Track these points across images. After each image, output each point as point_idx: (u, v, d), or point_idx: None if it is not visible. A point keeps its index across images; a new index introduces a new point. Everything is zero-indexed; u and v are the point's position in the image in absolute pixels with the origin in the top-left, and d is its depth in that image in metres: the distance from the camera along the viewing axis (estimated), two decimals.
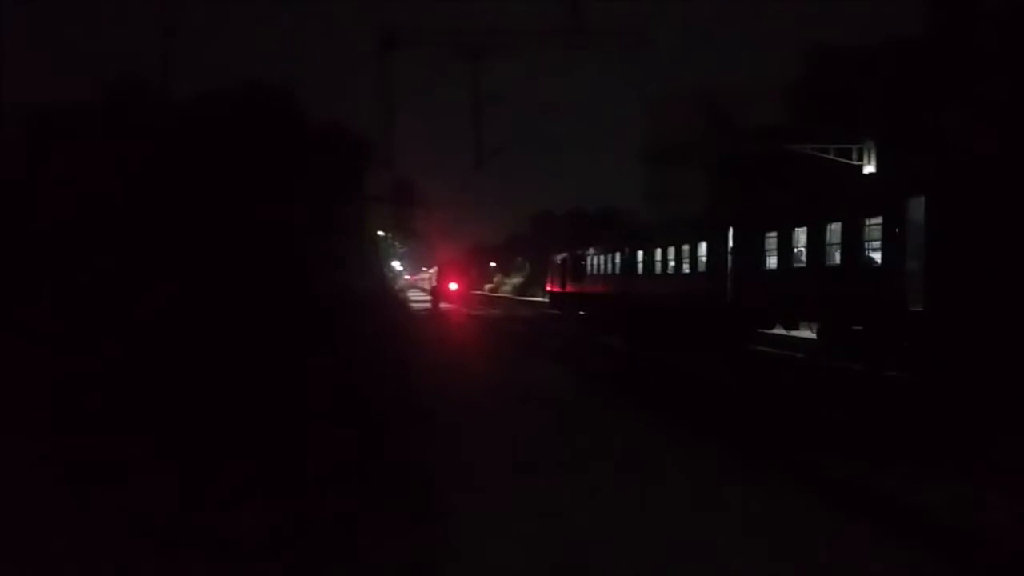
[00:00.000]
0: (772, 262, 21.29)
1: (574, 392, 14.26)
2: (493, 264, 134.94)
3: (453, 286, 64.07)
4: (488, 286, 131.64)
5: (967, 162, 18.12)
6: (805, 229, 19.76)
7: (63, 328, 8.07)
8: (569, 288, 45.95)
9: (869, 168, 29.44)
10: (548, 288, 56.23)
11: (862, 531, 6.27)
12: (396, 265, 59.66)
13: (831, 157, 30.16)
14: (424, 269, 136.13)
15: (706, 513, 6.64)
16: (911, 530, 6.42)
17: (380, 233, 42.09)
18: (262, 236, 10.70)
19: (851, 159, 29.82)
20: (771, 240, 21.52)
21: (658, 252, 30.31)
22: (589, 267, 41.60)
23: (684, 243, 27.86)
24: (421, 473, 7.58)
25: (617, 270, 35.92)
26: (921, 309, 14.88)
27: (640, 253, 32.57)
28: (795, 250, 20.47)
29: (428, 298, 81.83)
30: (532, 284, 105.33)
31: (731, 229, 23.80)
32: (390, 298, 36.69)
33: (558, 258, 48.85)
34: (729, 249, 23.85)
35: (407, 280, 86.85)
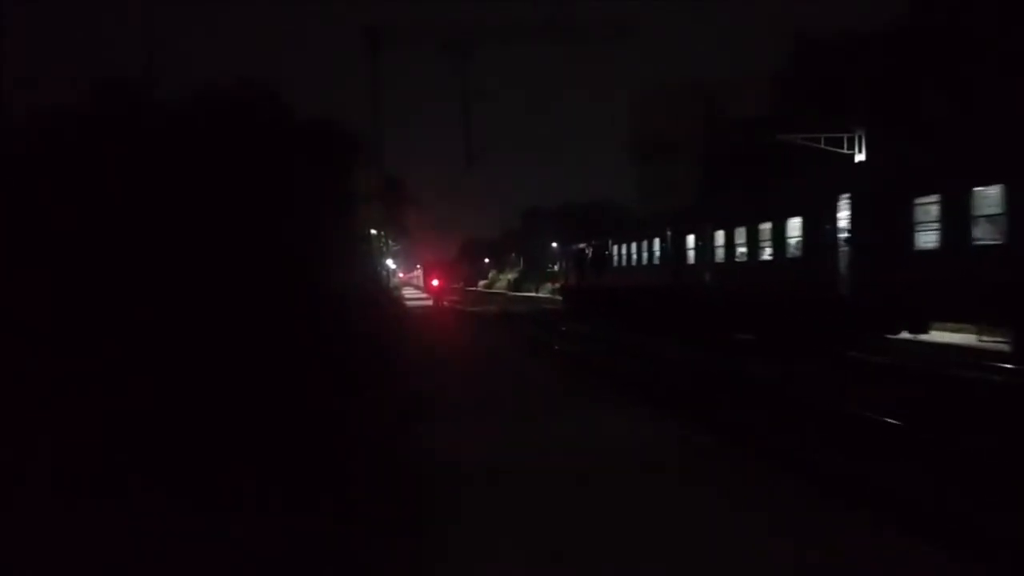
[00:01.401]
0: (926, 240, 15.52)
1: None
2: (487, 260, 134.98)
3: (435, 282, 76.83)
4: (483, 282, 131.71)
5: None
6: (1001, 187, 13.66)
7: (64, 331, 8.08)
8: (588, 283, 40.34)
9: (859, 156, 29.50)
10: (562, 284, 52.15)
11: None
12: (389, 263, 59.66)
13: (821, 147, 30.23)
14: (417, 267, 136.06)
15: None
16: None
17: (372, 231, 42.09)
18: (254, 236, 10.71)
19: (842, 148, 29.89)
20: (926, 207, 15.55)
21: (719, 236, 24.84)
22: (620, 257, 35.52)
23: (762, 221, 22.08)
24: None
25: (656, 259, 30.84)
26: None
27: (691, 238, 27.03)
28: (982, 220, 14.16)
29: (423, 295, 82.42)
30: (526, 280, 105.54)
31: (846, 196, 18.31)
32: (384, 297, 36.72)
33: (576, 248, 43.19)
34: (842, 224, 18.35)
35: (400, 278, 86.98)
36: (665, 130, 51.79)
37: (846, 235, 18.35)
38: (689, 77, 49.74)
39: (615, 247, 36.25)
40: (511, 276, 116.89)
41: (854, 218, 18.12)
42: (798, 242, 20.40)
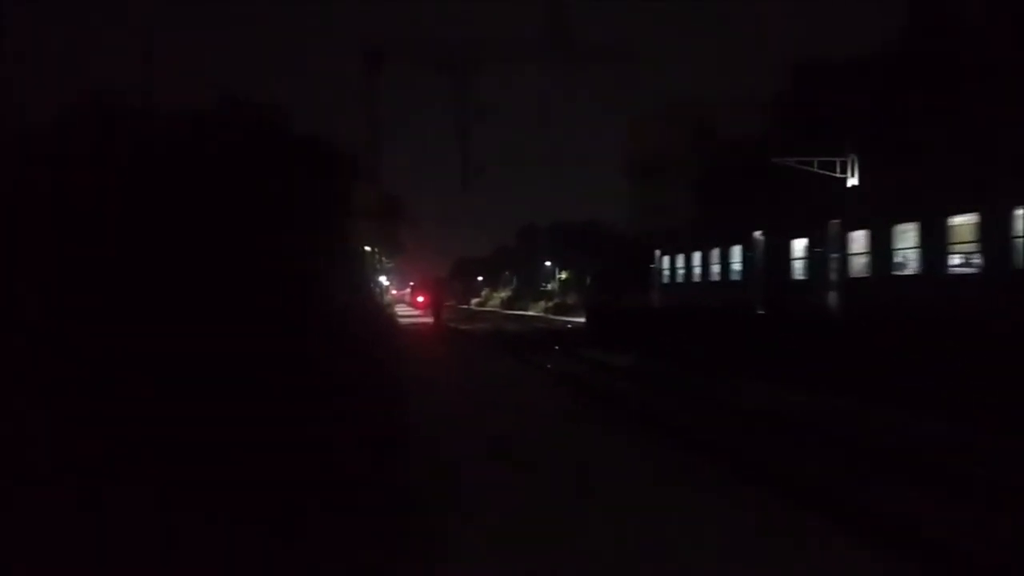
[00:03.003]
0: None
1: None
2: (480, 278, 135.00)
3: (420, 299, 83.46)
4: (475, 300, 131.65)
5: None
6: None
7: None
8: (622, 302, 33.76)
9: (852, 181, 29.63)
10: (587, 303, 43.83)
11: None
12: (383, 280, 59.67)
13: (814, 170, 30.37)
14: (411, 284, 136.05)
15: None
16: None
17: (367, 248, 42.08)
18: (249, 254, 10.70)
19: (835, 172, 30.03)
20: None
21: (858, 238, 20.45)
22: (672, 272, 29.16)
23: (941, 216, 17.20)
24: None
25: (733, 272, 24.89)
26: None
27: (798, 244, 21.44)
28: None
29: (416, 312, 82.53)
30: (519, 298, 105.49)
31: None
32: (378, 314, 36.68)
33: (607, 262, 35.85)
34: None
35: (393, 295, 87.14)
36: (660, 150, 52.02)
37: None
38: (685, 98, 49.88)
39: (664, 259, 30.37)
40: (504, 294, 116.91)
41: None
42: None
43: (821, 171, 29.95)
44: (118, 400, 8.03)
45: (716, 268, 26.36)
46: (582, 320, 64.79)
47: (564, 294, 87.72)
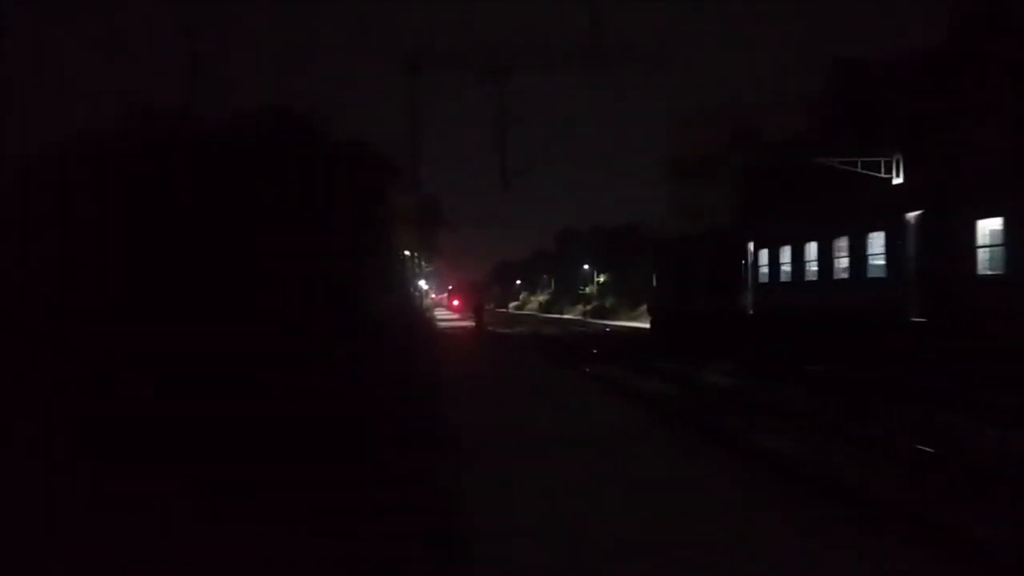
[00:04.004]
0: None
1: None
2: (519, 282, 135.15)
3: (455, 303, 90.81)
4: (513, 304, 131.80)
5: None
6: None
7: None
8: (701, 305, 27.17)
9: (897, 180, 29.18)
10: (652, 305, 37.88)
11: None
12: (422, 284, 60.03)
13: (858, 170, 29.94)
14: (449, 288, 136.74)
15: None
16: None
17: (406, 253, 42.35)
18: (297, 259, 10.84)
19: (879, 172, 29.59)
20: None
21: None
22: (772, 267, 23.39)
23: None
24: None
25: (871, 267, 19.30)
26: None
27: (987, 224, 15.54)
28: None
29: (455, 316, 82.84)
30: (557, 302, 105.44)
31: None
32: (417, 318, 36.88)
33: (679, 254, 29.55)
34: None
35: (432, 299, 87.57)
36: (700, 151, 51.54)
37: None
38: (725, 98, 49.30)
39: (761, 253, 24.32)
40: (542, 298, 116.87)
41: None
42: None
43: (864, 171, 29.55)
44: (170, 397, 8.21)
45: (842, 262, 20.60)
46: (624, 324, 64.61)
47: (602, 297, 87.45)
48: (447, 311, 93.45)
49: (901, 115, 32.26)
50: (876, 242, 19.89)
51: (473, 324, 52.90)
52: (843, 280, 20.73)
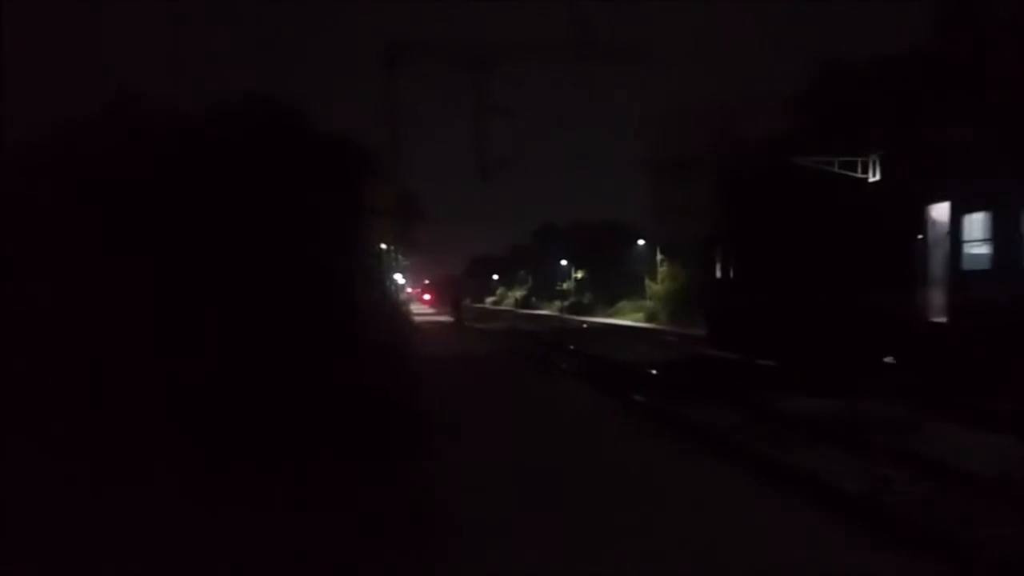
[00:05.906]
0: None
1: None
2: (496, 277, 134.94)
3: (427, 296, 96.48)
4: (490, 299, 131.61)
5: None
6: None
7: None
8: (796, 301, 19.06)
9: (873, 180, 29.31)
10: (707, 302, 27.36)
11: None
12: (398, 278, 59.69)
13: (835, 170, 30.05)
14: (426, 282, 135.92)
15: None
16: None
17: (383, 246, 42.02)
18: (268, 251, 10.64)
19: (856, 171, 29.71)
20: None
21: None
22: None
23: None
24: None
25: None
26: None
27: None
28: None
29: (430, 310, 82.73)
30: (535, 297, 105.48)
31: None
32: (394, 312, 36.60)
33: (753, 225, 21.84)
34: None
35: (409, 293, 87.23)
36: (680, 149, 51.56)
37: None
38: (706, 96, 49.39)
39: (967, 220, 14.38)
40: (519, 294, 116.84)
41: None
42: None
43: (841, 171, 29.67)
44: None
45: None
46: (601, 320, 64.23)
47: (580, 294, 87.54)
48: (421, 305, 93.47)
49: (881, 115, 32.38)
50: None
51: (450, 319, 52.76)
52: None
